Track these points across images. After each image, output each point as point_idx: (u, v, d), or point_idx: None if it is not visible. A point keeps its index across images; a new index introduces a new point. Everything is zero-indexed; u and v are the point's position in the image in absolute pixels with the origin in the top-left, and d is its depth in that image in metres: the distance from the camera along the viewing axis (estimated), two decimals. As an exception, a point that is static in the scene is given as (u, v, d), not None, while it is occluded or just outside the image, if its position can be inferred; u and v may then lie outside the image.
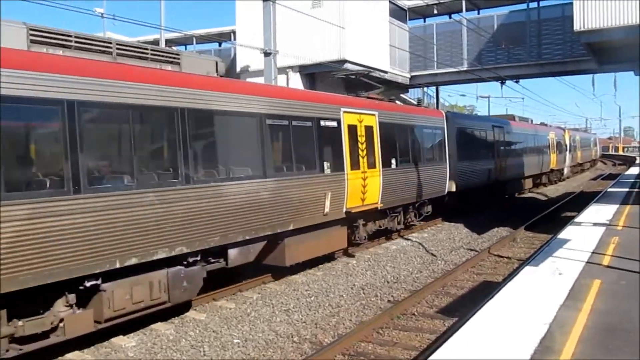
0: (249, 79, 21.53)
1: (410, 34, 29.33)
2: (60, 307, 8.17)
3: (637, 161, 65.70)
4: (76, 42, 9.21)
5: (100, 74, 8.48)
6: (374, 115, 15.82)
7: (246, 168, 11.12)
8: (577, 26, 17.94)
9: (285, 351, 9.00)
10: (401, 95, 31.26)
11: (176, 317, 10.40)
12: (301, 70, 24.02)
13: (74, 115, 7.92)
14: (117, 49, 9.86)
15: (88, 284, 8.23)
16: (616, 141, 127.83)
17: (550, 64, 26.87)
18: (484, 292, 11.07)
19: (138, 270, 8.94)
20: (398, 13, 28.30)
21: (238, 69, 25.26)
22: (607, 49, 20.46)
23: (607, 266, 10.19)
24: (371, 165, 15.38)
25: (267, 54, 18.80)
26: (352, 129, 14.64)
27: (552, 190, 36.66)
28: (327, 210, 13.26)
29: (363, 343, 9.20)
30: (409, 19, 29.86)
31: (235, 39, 26.68)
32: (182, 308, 10.81)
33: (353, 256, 15.41)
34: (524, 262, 12.56)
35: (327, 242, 13.89)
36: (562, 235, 13.75)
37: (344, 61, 22.93)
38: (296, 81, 23.89)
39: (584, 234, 13.66)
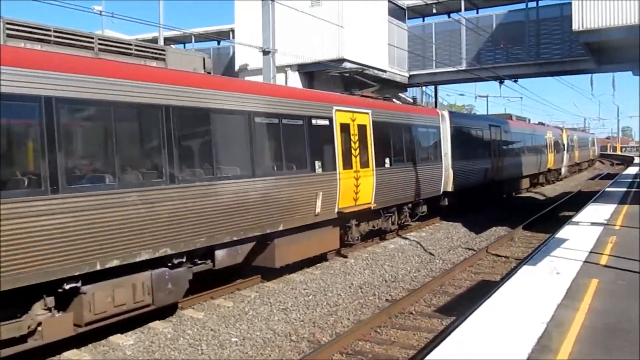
0: (247, 78, 21.55)
1: (409, 33, 29.34)
2: (38, 311, 7.95)
3: (635, 161, 65.79)
4: (55, 36, 8.90)
5: (80, 69, 8.21)
6: (367, 113, 15.60)
7: (234, 167, 10.88)
8: (576, 26, 17.96)
9: (283, 350, 9.01)
10: (399, 94, 31.24)
11: (174, 316, 10.40)
12: (300, 69, 24.03)
13: (52, 112, 7.67)
14: (100, 44, 9.54)
15: (67, 287, 7.99)
16: (614, 141, 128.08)
17: (548, 64, 26.92)
18: (481, 291, 11.08)
19: (121, 272, 8.72)
20: (397, 12, 28.32)
21: (237, 68, 25.27)
22: (606, 48, 20.50)
23: (605, 266, 10.21)
24: (364, 164, 15.14)
25: (265, 53, 18.79)
26: (345, 128, 14.42)
27: (550, 190, 36.70)
28: (318, 210, 13.02)
29: (361, 342, 9.20)
30: (408, 18, 29.88)
31: (234, 37, 26.67)
32: (180, 307, 10.82)
33: (346, 257, 15.19)
34: (521, 262, 12.56)
35: (318, 242, 13.65)
36: (560, 234, 13.77)
37: (343, 60, 22.93)
38: (295, 80, 23.89)
39: (581, 233, 13.68)
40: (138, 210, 8.74)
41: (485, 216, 23.23)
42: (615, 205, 18.99)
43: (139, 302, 9.08)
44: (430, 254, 16.33)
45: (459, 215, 22.17)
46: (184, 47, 36.50)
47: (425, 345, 8.81)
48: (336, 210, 13.78)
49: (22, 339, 7.75)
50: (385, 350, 8.90)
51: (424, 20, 31.51)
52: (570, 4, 18.70)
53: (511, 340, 6.47)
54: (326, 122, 13.73)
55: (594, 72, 35.55)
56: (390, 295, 12.13)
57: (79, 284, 8.14)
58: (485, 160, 25.17)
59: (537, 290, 8.64)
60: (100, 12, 24.18)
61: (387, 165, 16.35)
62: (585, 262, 10.50)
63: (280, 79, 22.02)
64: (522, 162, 31.15)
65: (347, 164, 14.30)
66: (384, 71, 26.61)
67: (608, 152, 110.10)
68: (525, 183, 33.83)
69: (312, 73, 24.42)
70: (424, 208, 19.57)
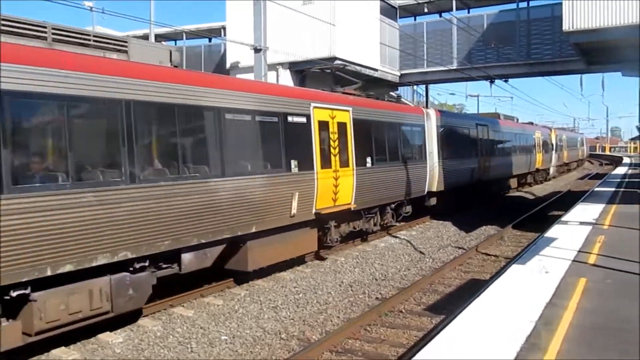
0: (239, 75, 21.53)
1: (400, 32, 29.39)
2: None
3: (624, 161, 66.28)
4: (4, 25, 8.32)
5: (28, 60, 7.64)
6: (347, 111, 15.14)
7: (202, 166, 10.38)
8: (566, 26, 18.06)
9: (272, 348, 9.00)
10: (391, 93, 31.31)
11: (163, 314, 10.37)
12: (291, 67, 24.01)
13: None
14: (53, 34, 8.97)
15: (14, 294, 7.45)
16: (603, 141, 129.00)
17: (539, 64, 27.05)
18: (471, 289, 11.11)
19: (78, 278, 8.25)
20: (388, 11, 28.36)
21: (228, 65, 25.21)
22: (596, 49, 20.62)
23: (593, 265, 10.27)
24: (344, 163, 14.69)
25: (257, 51, 18.76)
26: (324, 126, 13.98)
27: (540, 190, 36.90)
28: (294, 211, 12.58)
29: (351, 340, 9.21)
30: (400, 17, 29.93)
31: (225, 34, 26.59)
32: (169, 305, 10.79)
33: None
34: (511, 261, 12.63)
35: (295, 245, 13.16)
36: (549, 234, 13.85)
37: (334, 58, 22.94)
38: (286, 78, 23.88)
39: (570, 232, 13.77)
40: (94, 211, 8.24)
41: (475, 215, 23.32)
42: (603, 205, 19.12)
43: (96, 310, 8.58)
44: (421, 252, 16.37)
45: (449, 213, 22.23)
46: (175, 44, 36.37)
47: (415, 343, 8.83)
48: (313, 211, 13.38)
49: None
50: (375, 348, 8.92)
51: (415, 20, 31.58)
52: (560, 4, 18.80)
53: (500, 338, 6.50)
54: (303, 120, 13.28)
55: (584, 73, 35.78)
56: (380, 293, 12.15)
57: (27, 291, 7.62)
58: (472, 160, 24.92)
59: (526, 289, 8.68)
60: (91, 8, 24.02)
61: (369, 164, 15.92)
62: (573, 261, 10.56)
63: (271, 77, 22.00)
64: (509, 161, 31.03)
65: (326, 163, 13.88)
66: (375, 70, 26.65)
67: (597, 152, 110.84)
68: (513, 183, 33.80)
69: (303, 71, 24.42)
70: (408, 208, 19.17)
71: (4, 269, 7.18)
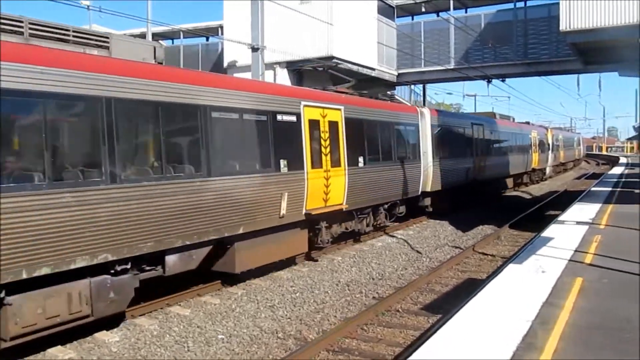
0: (236, 75, 21.48)
1: (398, 31, 29.41)
2: None
3: (621, 161, 66.42)
4: None
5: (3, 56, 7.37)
6: (339, 110, 14.85)
7: (187, 166, 10.12)
8: (563, 26, 18.09)
9: (269, 347, 9.00)
10: (388, 92, 31.33)
11: (160, 313, 10.36)
12: (289, 66, 24.01)
13: None
14: (30, 28, 8.67)
15: None
16: (600, 141, 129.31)
17: (536, 64, 27.11)
18: (468, 289, 11.13)
19: (57, 281, 8.01)
20: (386, 10, 28.38)
21: (225, 64, 25.20)
22: (593, 49, 20.66)
23: (590, 264, 10.29)
24: (335, 163, 14.43)
25: (254, 50, 18.75)
26: (314, 125, 13.71)
27: (537, 189, 36.96)
28: (283, 212, 12.31)
29: (347, 339, 9.22)
30: (397, 17, 29.95)
31: (222, 33, 26.58)
32: (166, 304, 10.78)
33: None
34: (507, 260, 12.64)
35: (284, 246, 12.90)
36: (546, 233, 13.87)
37: (332, 58, 22.94)
38: (284, 77, 23.88)
39: (567, 232, 13.79)
40: (72, 212, 7.97)
41: (472, 215, 23.33)
42: (600, 205, 19.15)
43: (75, 313, 8.33)
44: (417, 252, 16.38)
45: (446, 213, 22.24)
46: (173, 43, 36.33)
47: (412, 343, 8.84)
48: (304, 211, 13.13)
49: None
50: (371, 347, 8.92)
51: (412, 19, 31.60)
52: (558, 4, 18.84)
53: (497, 337, 6.51)
54: (293, 118, 13.00)
55: (581, 73, 35.87)
56: (377, 292, 12.15)
57: (2, 295, 7.42)
58: (467, 160, 24.68)
59: (523, 289, 8.69)
60: (88, 7, 24.01)
61: (361, 164, 15.67)
62: (570, 260, 10.58)
63: (269, 76, 22.00)
64: (505, 161, 30.83)
65: (317, 163, 13.63)
66: (373, 69, 26.66)
67: (594, 152, 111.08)
68: (509, 183, 33.64)
69: (301, 70, 24.41)
70: (402, 209, 18.96)
71: None
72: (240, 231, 11.19)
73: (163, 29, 30.75)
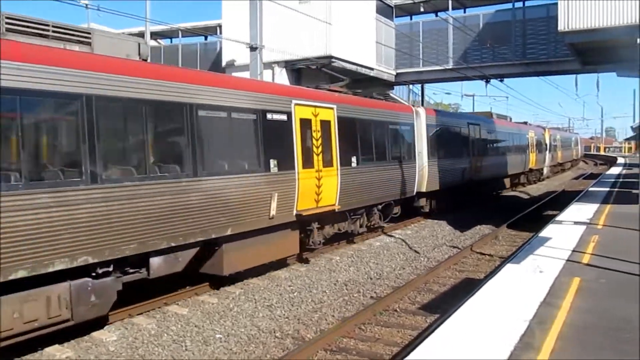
0: (234, 74, 21.45)
1: (396, 31, 29.40)
2: None
3: (619, 161, 66.51)
4: None
5: None
6: (331, 108, 14.62)
7: (172, 166, 9.86)
8: (562, 26, 18.08)
9: (267, 346, 9.00)
10: (387, 92, 31.33)
11: (158, 312, 10.36)
12: (287, 65, 23.99)
13: None
14: (7, 23, 8.43)
15: None
16: (598, 141, 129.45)
17: (534, 64, 27.10)
18: (465, 289, 11.14)
19: (36, 284, 7.79)
20: (385, 10, 28.35)
21: (224, 64, 25.17)
22: (591, 49, 20.67)
23: (587, 264, 10.31)
24: (327, 163, 14.18)
25: (253, 49, 18.73)
26: (306, 124, 13.47)
27: (534, 189, 37.01)
28: (273, 212, 12.07)
29: (345, 339, 9.23)
30: (396, 17, 29.93)
31: (221, 32, 26.56)
32: (164, 303, 10.78)
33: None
34: (505, 260, 12.66)
35: (274, 247, 12.63)
36: (544, 233, 13.89)
37: (330, 57, 22.93)
38: (282, 76, 23.85)
39: (564, 232, 13.81)
40: (50, 214, 7.73)
41: (470, 214, 23.37)
42: (598, 205, 19.18)
43: (54, 318, 8.08)
44: (415, 251, 16.40)
45: (444, 213, 22.26)
46: (171, 42, 36.27)
47: (409, 342, 8.85)
48: (294, 212, 12.90)
49: None
50: (369, 347, 8.93)
51: (411, 19, 31.56)
52: (556, 4, 18.84)
53: (494, 337, 6.52)
54: (284, 117, 12.75)
55: (579, 73, 35.90)
56: (375, 292, 12.16)
57: None
58: (463, 160, 24.52)
59: (521, 288, 8.71)
60: (86, 5, 23.98)
61: (354, 164, 15.45)
62: (568, 260, 10.60)
63: (267, 76, 21.98)
64: (502, 161, 30.71)
65: (308, 163, 13.37)
66: (371, 69, 26.65)
67: (592, 152, 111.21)
68: (506, 183, 33.56)
69: (299, 70, 24.40)
70: (397, 209, 18.77)
71: None
72: (229, 232, 10.98)
73: (162, 28, 30.68)
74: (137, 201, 9.01)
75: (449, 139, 23.13)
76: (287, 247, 13.21)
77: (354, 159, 15.48)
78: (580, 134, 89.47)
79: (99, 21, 48.36)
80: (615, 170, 44.83)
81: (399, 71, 29.40)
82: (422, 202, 20.96)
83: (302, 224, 13.67)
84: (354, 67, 24.95)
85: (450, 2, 28.13)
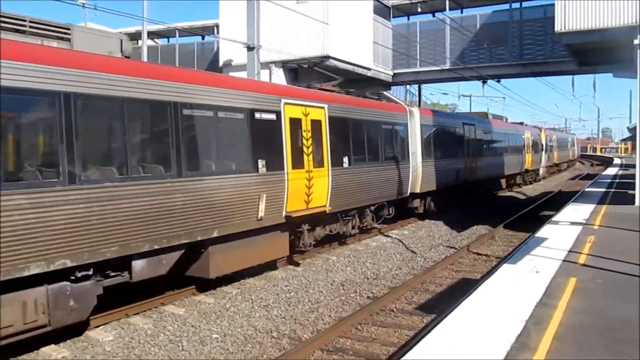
0: (232, 73, 21.45)
1: (393, 31, 29.43)
2: None
3: (614, 162, 66.67)
4: None
5: None
6: (322, 108, 14.34)
7: (155, 166, 9.58)
8: (558, 27, 18.13)
9: (264, 346, 9.00)
10: (383, 92, 31.33)
11: (154, 312, 10.34)
12: (284, 65, 24.00)
13: None
14: None
15: None
16: (594, 142, 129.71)
17: (531, 64, 27.16)
18: (462, 289, 11.16)
19: (11, 288, 7.54)
20: (382, 10, 28.39)
21: (221, 63, 25.17)
22: (587, 50, 20.72)
23: (584, 265, 10.33)
24: (318, 163, 13.91)
25: (250, 49, 18.72)
26: (296, 123, 13.18)
27: (531, 190, 37.07)
28: (261, 214, 11.79)
29: (342, 339, 9.23)
30: (393, 17, 29.96)
31: (218, 32, 26.55)
32: (160, 303, 10.76)
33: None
34: (502, 260, 12.69)
35: (263, 250, 12.32)
36: (540, 233, 13.91)
37: (328, 57, 22.94)
38: (279, 76, 23.85)
39: (561, 232, 13.83)
40: (25, 216, 7.48)
41: (467, 215, 23.41)
42: (594, 205, 19.22)
43: (31, 323, 7.81)
44: (412, 251, 16.41)
45: (440, 213, 22.28)
46: (168, 41, 36.23)
47: (406, 342, 8.85)
48: (284, 214, 12.63)
49: None
50: (365, 347, 8.93)
51: (408, 19, 31.62)
52: (553, 5, 18.88)
53: (491, 337, 6.53)
54: (273, 117, 12.46)
55: (576, 74, 35.95)
56: (371, 292, 12.17)
57: None
58: (458, 160, 24.31)
59: (517, 289, 8.71)
60: (83, 4, 23.94)
61: (346, 164, 15.18)
62: (564, 261, 10.61)
63: (264, 75, 21.98)
64: (497, 162, 30.56)
65: (298, 163, 13.09)
66: (369, 69, 26.67)
67: (588, 153, 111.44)
68: (502, 184, 33.47)
69: (296, 69, 24.40)
70: (390, 210, 18.48)
71: None
72: (215, 235, 10.70)
73: (159, 27, 30.65)
74: (119, 202, 8.76)
75: (444, 139, 22.90)
76: (276, 249, 12.91)
77: (345, 160, 15.25)
78: (576, 135, 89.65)
79: (96, 20, 48.25)
80: (611, 171, 44.93)
81: (396, 71, 29.43)
82: (416, 203, 20.71)
83: (292, 225, 13.37)
84: (351, 67, 24.97)
85: (447, 3, 28.19)
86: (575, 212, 17.71)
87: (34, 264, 7.67)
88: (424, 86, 40.25)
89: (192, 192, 10.12)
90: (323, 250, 15.59)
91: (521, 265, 10.38)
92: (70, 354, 8.38)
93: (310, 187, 13.55)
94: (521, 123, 42.63)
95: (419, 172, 19.98)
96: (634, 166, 19.46)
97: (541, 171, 44.70)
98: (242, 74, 18.97)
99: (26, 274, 7.62)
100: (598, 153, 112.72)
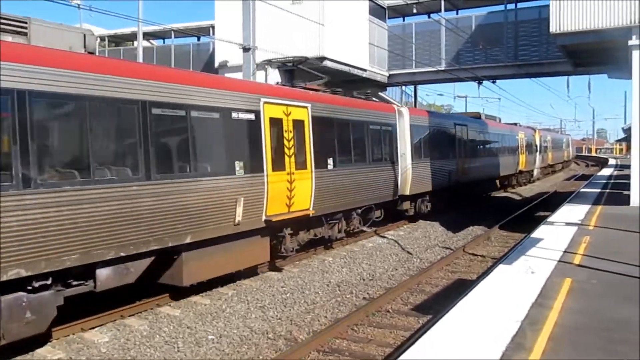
0: (227, 74, 21.44)
1: (389, 32, 29.48)
2: None
3: (610, 162, 66.89)
4: None
5: None
6: (305, 107, 13.83)
7: (122, 169, 9.11)
8: (553, 28, 18.17)
9: (260, 347, 8.99)
10: (379, 93, 31.38)
11: (150, 313, 10.32)
12: (280, 66, 23.99)
13: None
14: None
15: None
16: (589, 142, 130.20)
17: (526, 65, 27.26)
18: (458, 290, 11.17)
19: None
20: (377, 11, 28.45)
21: (216, 64, 25.17)
22: (582, 51, 20.79)
23: (579, 265, 10.35)
24: (301, 165, 13.45)
25: (246, 50, 18.72)
26: (276, 123, 12.72)
27: (527, 190, 37.15)
28: (239, 218, 11.31)
29: (338, 340, 9.23)
30: (388, 18, 30.02)
31: (214, 33, 26.55)
32: (156, 304, 10.74)
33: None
34: (497, 261, 12.70)
35: (241, 255, 11.83)
36: (535, 234, 13.93)
37: (323, 58, 22.96)
38: (275, 77, 23.84)
39: (556, 233, 13.86)
40: None
41: (463, 216, 23.43)
42: (589, 206, 19.27)
43: None
44: (408, 252, 16.42)
45: (436, 214, 22.30)
46: (164, 42, 36.20)
47: (402, 343, 8.86)
48: (263, 218, 12.14)
49: None
50: (362, 348, 8.94)
51: (404, 20, 31.68)
52: (548, 6, 18.94)
53: (486, 338, 6.54)
54: (251, 116, 11.94)
55: (571, 74, 36.09)
56: (367, 293, 12.17)
57: None
58: (450, 162, 23.87)
59: (512, 289, 8.73)
60: (78, 5, 23.90)
61: (330, 166, 14.71)
62: (559, 261, 10.63)
63: (260, 76, 21.96)
64: (490, 163, 30.29)
65: (279, 165, 12.63)
66: (364, 70, 26.70)
67: (583, 154, 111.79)
68: (495, 186, 33.32)
69: (292, 70, 24.38)
70: (378, 213, 17.98)
71: None
72: (188, 240, 10.20)
73: (154, 28, 30.65)
74: (79, 207, 8.26)
75: (435, 140, 22.41)
76: (256, 254, 12.41)
77: (330, 161, 14.79)
78: (571, 135, 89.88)
79: (92, 22, 48.20)
80: (606, 172, 45.07)
81: (391, 72, 29.49)
82: (406, 205, 20.31)
83: (273, 230, 12.86)
84: (346, 68, 24.99)
85: (442, 4, 28.24)
86: (571, 212, 17.75)
87: None
88: (419, 87, 40.39)
89: (161, 196, 9.62)
90: (319, 251, 15.58)
91: (517, 265, 10.40)
92: (66, 356, 8.35)
93: (292, 190, 13.08)
94: (515, 124, 42.59)
95: (408, 174, 19.56)
96: (628, 167, 19.51)
97: (535, 172, 44.60)
98: (238, 75, 18.99)
99: None
100: (593, 154, 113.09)
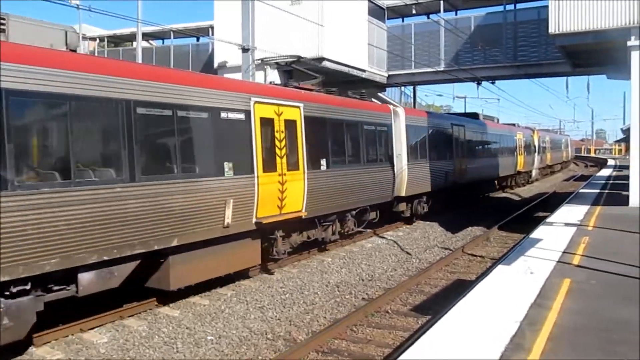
0: (226, 75, 21.44)
1: (388, 33, 29.48)
2: None
3: (608, 163, 66.93)
4: None
5: None
6: (297, 107, 13.58)
7: (105, 170, 8.90)
8: (552, 29, 18.18)
9: (259, 348, 8.99)
10: (378, 94, 31.39)
11: (149, 314, 10.32)
12: (279, 66, 24.00)
13: None
14: None
15: None
16: (588, 143, 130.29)
17: (525, 66, 27.26)
18: (457, 290, 11.18)
19: None
20: (377, 12, 28.45)
21: (216, 64, 25.17)
22: (581, 52, 20.80)
23: (578, 265, 10.36)
24: (293, 166, 13.20)
25: (245, 50, 18.71)
26: (267, 123, 12.47)
27: (526, 191, 37.16)
28: (228, 221, 11.05)
29: (337, 340, 9.23)
30: (388, 18, 30.02)
31: (213, 33, 26.55)
32: (155, 305, 10.73)
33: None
34: (496, 261, 12.71)
35: (231, 258, 11.60)
36: (534, 235, 13.93)
37: (322, 59, 22.96)
38: (274, 77, 23.85)
39: (555, 233, 13.86)
40: None
41: (462, 216, 23.44)
42: (588, 207, 19.28)
43: None
44: (407, 253, 16.42)
45: (435, 214, 22.30)
46: (163, 43, 36.19)
47: (401, 343, 8.86)
48: (254, 220, 11.89)
49: None
50: (361, 348, 8.94)
51: (403, 21, 31.69)
52: (547, 7, 18.95)
53: (485, 338, 6.54)
54: (241, 116, 11.69)
55: (570, 75, 36.07)
56: (366, 294, 12.17)
57: None
58: (447, 162, 23.66)
59: (512, 290, 8.73)
60: (78, 5, 23.90)
61: (323, 167, 14.45)
62: (558, 262, 10.63)
63: (259, 76, 21.97)
64: (488, 164, 30.17)
65: (270, 166, 12.38)
66: (363, 70, 26.71)
67: (582, 154, 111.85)
68: (494, 186, 33.20)
69: (291, 70, 24.40)
70: (373, 214, 17.71)
71: None
72: (175, 243, 9.96)
73: (153, 29, 30.66)
74: (59, 210, 8.00)
75: (432, 140, 22.13)
76: (246, 257, 12.16)
77: (323, 162, 14.53)
78: (570, 136, 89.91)
79: (91, 22, 48.19)
80: (605, 172, 45.09)
81: (390, 73, 29.48)
82: (402, 207, 20.09)
83: (264, 232, 12.62)
84: (345, 69, 24.99)
85: (442, 4, 28.25)
86: (570, 213, 17.76)
87: None
88: (419, 88, 40.31)
89: (147, 197, 9.38)
90: (318, 252, 15.58)
91: (516, 266, 10.40)
92: (65, 356, 8.35)
93: (283, 192, 12.83)
94: (514, 124, 42.54)
95: (404, 175, 19.30)
96: (627, 167, 19.52)
97: (534, 173, 44.48)
98: (237, 76, 18.99)
99: None
100: (592, 154, 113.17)
